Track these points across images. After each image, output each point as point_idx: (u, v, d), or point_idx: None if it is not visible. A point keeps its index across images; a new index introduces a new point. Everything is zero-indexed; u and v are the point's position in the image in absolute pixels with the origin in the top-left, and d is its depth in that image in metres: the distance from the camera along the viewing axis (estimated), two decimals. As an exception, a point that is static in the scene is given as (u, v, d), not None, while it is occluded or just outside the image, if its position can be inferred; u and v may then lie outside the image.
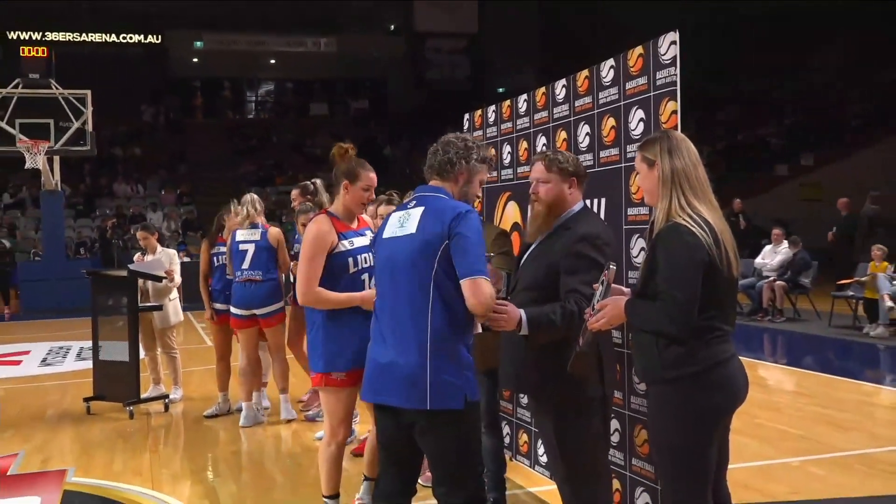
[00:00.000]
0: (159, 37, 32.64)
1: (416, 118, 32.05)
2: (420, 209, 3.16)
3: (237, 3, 31.32)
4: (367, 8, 33.68)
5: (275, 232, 6.68)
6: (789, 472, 5.35)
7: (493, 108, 5.41)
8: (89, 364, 8.02)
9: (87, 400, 7.39)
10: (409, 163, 26.58)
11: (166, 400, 7.49)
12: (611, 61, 4.05)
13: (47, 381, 9.25)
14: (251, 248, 6.59)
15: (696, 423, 2.93)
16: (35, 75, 16.61)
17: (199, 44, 33.50)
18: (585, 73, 4.28)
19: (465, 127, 5.76)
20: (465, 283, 3.01)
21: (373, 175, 4.14)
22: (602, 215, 4.00)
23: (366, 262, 4.02)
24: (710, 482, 3.01)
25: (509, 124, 5.14)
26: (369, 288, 3.95)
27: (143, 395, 7.32)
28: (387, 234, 3.25)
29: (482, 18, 33.99)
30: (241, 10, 31.71)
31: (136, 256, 7.88)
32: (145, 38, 32.53)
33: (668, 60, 3.63)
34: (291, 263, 6.60)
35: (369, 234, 4.11)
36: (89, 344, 8.03)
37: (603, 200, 4.05)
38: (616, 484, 3.94)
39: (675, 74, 3.58)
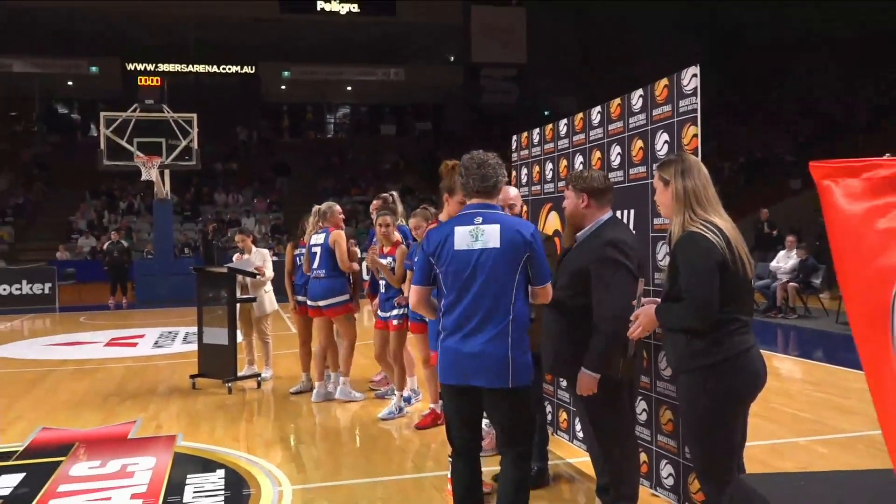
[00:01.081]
0: (253, 68, 33.28)
1: (470, 138, 32.08)
2: (495, 226, 3.20)
3: (319, 39, 31.80)
4: (430, 42, 33.85)
5: (333, 235, 6.64)
6: (798, 451, 5.28)
7: (537, 130, 5.44)
8: (194, 346, 8.23)
9: (192, 377, 7.57)
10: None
11: (259, 378, 7.64)
12: (640, 91, 4.07)
13: (159, 360, 9.49)
14: (319, 250, 6.71)
15: (720, 405, 2.93)
16: (150, 101, 17.18)
17: (286, 73, 33.99)
18: (618, 101, 4.30)
19: (513, 146, 5.80)
20: (539, 288, 3.28)
21: None
22: (631, 224, 4.02)
23: None
24: (734, 455, 3.00)
25: (551, 144, 5.17)
26: None
27: (239, 374, 7.48)
28: (460, 246, 3.22)
29: (530, 50, 33.88)
30: (323, 45, 32.22)
31: (236, 256, 8.01)
32: (241, 69, 33.21)
33: (689, 91, 3.65)
34: (353, 263, 6.71)
35: None
36: (194, 329, 8.23)
37: (632, 212, 4.07)
38: (643, 457, 3.96)
39: (696, 103, 3.59)
